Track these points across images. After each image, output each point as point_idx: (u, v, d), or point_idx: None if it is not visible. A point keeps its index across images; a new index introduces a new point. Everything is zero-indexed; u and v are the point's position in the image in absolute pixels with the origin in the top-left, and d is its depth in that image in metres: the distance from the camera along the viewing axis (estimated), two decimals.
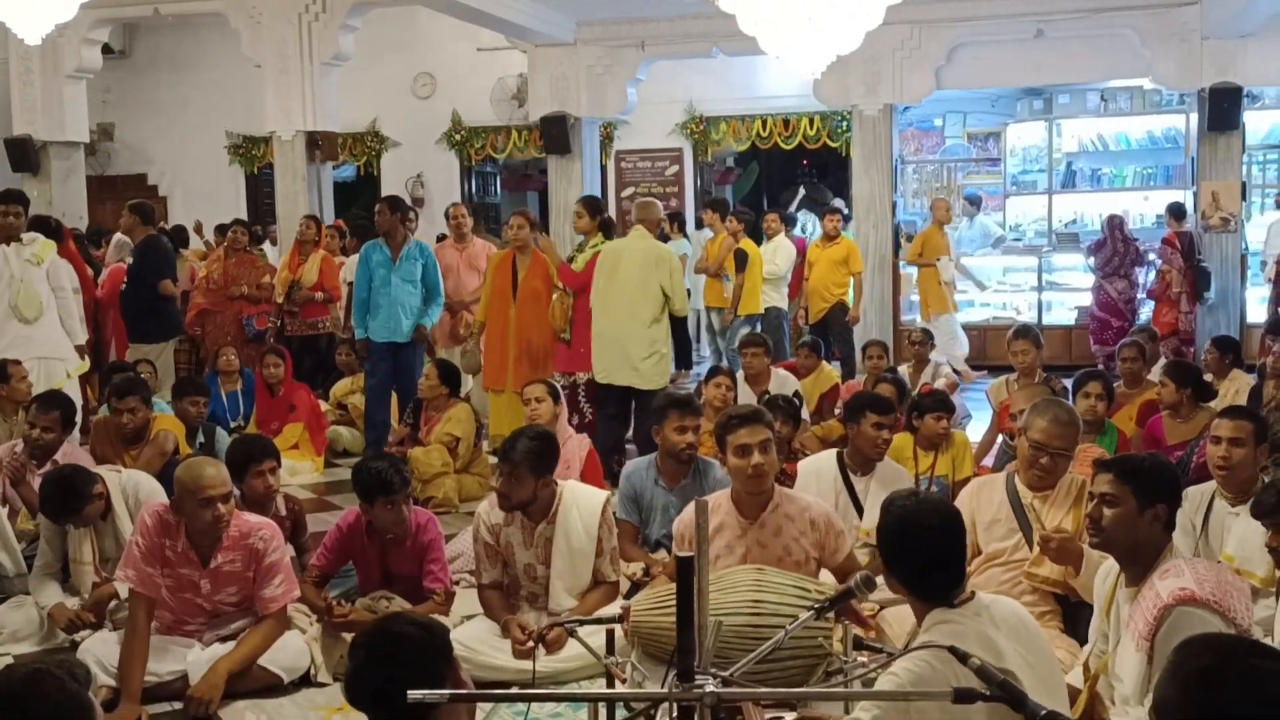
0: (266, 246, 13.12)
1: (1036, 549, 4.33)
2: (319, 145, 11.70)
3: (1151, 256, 12.18)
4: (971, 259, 13.42)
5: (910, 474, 6.30)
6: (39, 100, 11.96)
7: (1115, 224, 12.06)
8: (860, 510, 5.44)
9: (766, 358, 8.18)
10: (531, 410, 6.65)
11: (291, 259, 10.55)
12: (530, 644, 4.65)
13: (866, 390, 6.74)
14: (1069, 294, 13.27)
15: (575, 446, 6.50)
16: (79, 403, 7.56)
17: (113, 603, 5.19)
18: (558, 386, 7.07)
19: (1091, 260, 12.21)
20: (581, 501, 5.01)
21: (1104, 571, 3.69)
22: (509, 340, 8.57)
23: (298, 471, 8.37)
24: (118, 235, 11.00)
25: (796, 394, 7.82)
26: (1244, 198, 12.48)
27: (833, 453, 5.70)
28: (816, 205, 15.24)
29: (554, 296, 8.28)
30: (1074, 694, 3.48)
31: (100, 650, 4.66)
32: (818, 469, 5.59)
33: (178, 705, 4.56)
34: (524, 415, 7.91)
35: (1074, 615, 4.30)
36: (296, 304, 10.40)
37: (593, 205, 8.47)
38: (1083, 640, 4.04)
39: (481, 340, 8.95)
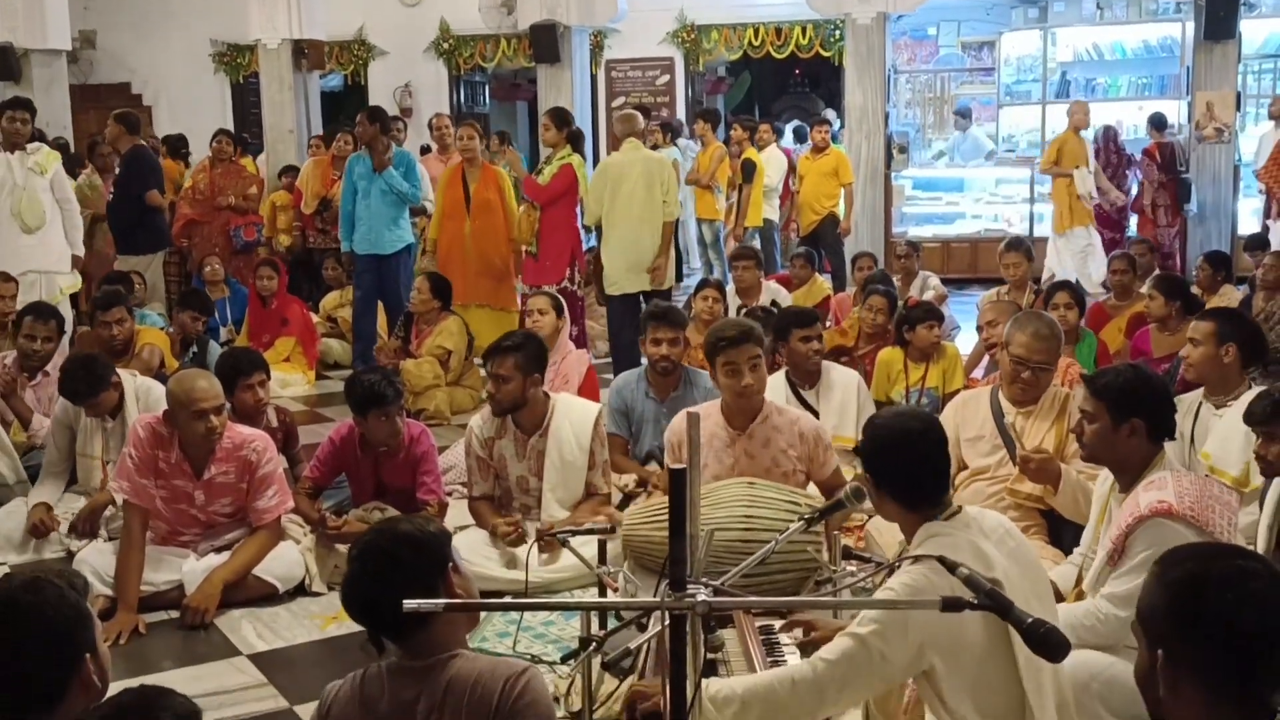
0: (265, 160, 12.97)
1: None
2: (305, 54, 11.54)
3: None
4: (963, 170, 13.32)
5: (900, 387, 6.34)
6: (20, 6, 11.72)
7: (1109, 135, 11.97)
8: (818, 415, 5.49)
9: (758, 270, 8.18)
10: (534, 321, 6.64)
11: (325, 174, 10.40)
12: (517, 530, 4.75)
13: (791, 307, 6.70)
14: None
15: (575, 362, 6.50)
16: (69, 315, 7.54)
17: (109, 510, 5.22)
18: (560, 299, 7.02)
19: None
20: (574, 414, 5.04)
21: (1103, 478, 3.75)
22: (467, 255, 8.52)
23: (289, 384, 8.39)
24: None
25: (774, 303, 7.83)
26: (1239, 108, 12.38)
27: (780, 373, 5.75)
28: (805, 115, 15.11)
29: (520, 210, 8.27)
30: (1058, 595, 3.54)
31: (96, 560, 4.70)
32: (770, 389, 5.59)
33: (174, 614, 4.62)
34: (491, 330, 7.99)
35: (1058, 529, 4.35)
36: (327, 222, 10.25)
37: (560, 117, 8.39)
38: (1068, 553, 4.10)
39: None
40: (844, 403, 5.62)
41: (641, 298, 7.89)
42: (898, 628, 2.63)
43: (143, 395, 5.49)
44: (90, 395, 5.30)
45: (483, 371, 7.86)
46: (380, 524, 2.57)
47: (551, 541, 4.74)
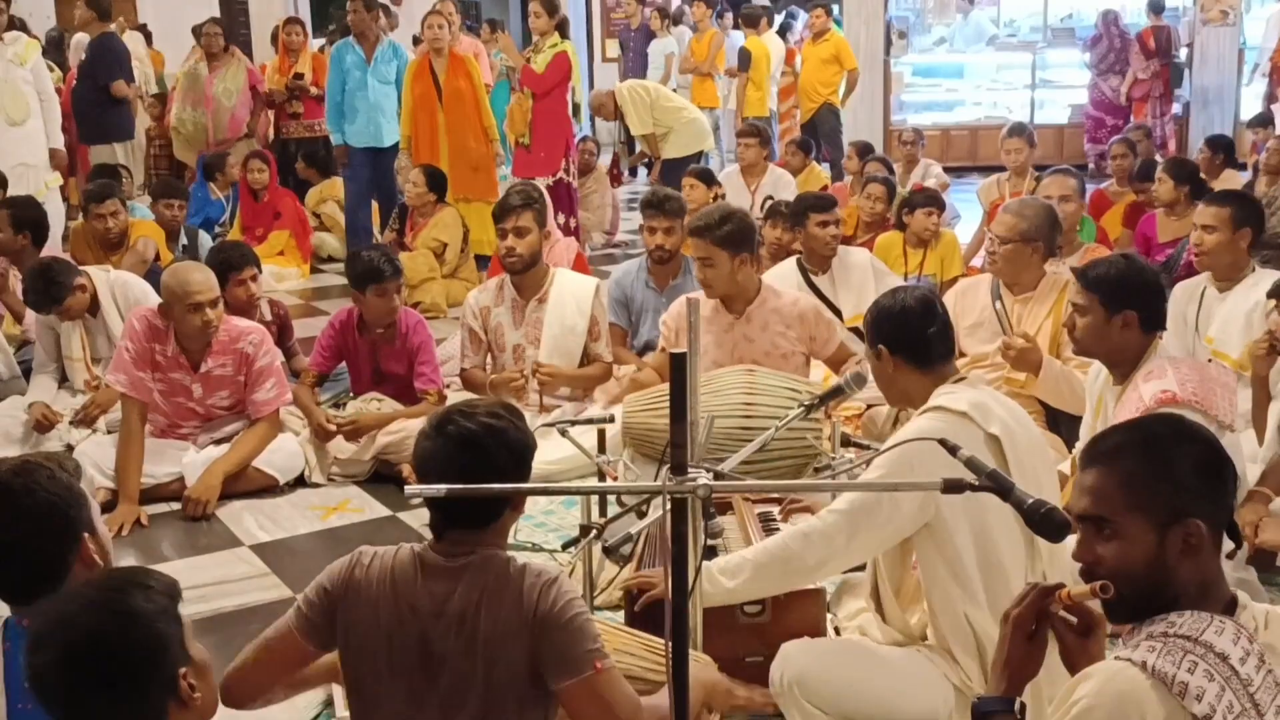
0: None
1: None
2: None
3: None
4: (963, 56, 13.09)
5: (899, 272, 6.30)
6: None
7: (1111, 19, 11.76)
8: (832, 307, 5.46)
9: (760, 149, 8.07)
10: None
11: (281, 63, 10.19)
12: (520, 381, 4.88)
13: (809, 192, 6.62)
14: (1062, 92, 13.06)
15: (563, 250, 6.46)
16: (60, 210, 7.45)
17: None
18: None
19: (1088, 56, 11.96)
20: (573, 283, 5.13)
21: (1094, 371, 3.75)
22: (440, 147, 8.34)
23: (284, 278, 8.32)
24: (78, 35, 10.61)
25: (769, 198, 7.76)
26: None
27: (793, 260, 5.70)
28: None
29: (513, 100, 8.16)
30: (1063, 480, 3.55)
31: (96, 453, 4.70)
32: (781, 276, 5.56)
33: (176, 506, 4.65)
34: (474, 223, 7.91)
35: (1055, 417, 4.36)
36: (294, 108, 10.03)
37: (550, 4, 8.23)
38: (1066, 439, 4.13)
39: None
40: (861, 283, 5.59)
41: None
42: (906, 473, 2.64)
43: (119, 292, 5.39)
44: (54, 303, 5.19)
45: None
46: (478, 409, 2.32)
47: (550, 382, 4.91)
